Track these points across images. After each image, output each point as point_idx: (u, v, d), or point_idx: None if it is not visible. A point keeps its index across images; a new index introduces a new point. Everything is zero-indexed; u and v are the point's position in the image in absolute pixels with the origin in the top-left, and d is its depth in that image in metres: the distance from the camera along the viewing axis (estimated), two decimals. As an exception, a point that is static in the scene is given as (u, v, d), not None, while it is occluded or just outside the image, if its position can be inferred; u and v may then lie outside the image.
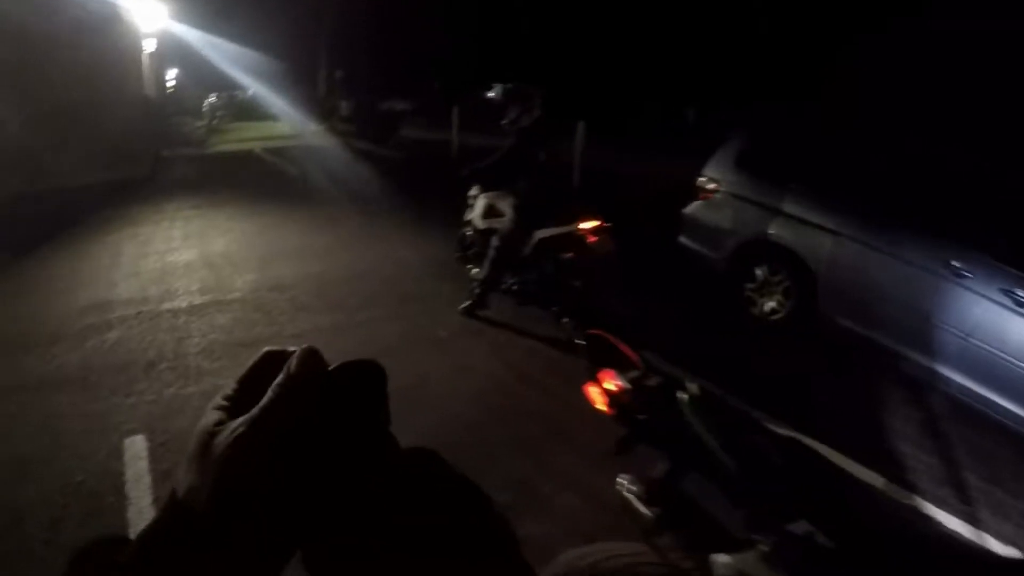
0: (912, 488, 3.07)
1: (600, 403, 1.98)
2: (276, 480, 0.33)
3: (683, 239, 5.09)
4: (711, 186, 4.90)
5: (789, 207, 4.44)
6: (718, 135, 5.16)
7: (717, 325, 4.81)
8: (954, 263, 3.66)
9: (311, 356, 0.36)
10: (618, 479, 2.20)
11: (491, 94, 5.26)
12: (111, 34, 10.23)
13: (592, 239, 4.07)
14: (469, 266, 4.83)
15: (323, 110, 17.51)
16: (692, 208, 5.05)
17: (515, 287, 4.50)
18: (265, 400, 0.34)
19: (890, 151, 4.28)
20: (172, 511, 0.34)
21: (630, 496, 2.06)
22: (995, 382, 3.49)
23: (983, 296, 3.54)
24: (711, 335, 4.63)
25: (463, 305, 4.66)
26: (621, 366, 2.02)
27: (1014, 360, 3.41)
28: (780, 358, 4.33)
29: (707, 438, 1.83)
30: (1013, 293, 3.44)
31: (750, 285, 4.74)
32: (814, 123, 5.05)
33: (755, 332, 4.68)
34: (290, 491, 0.33)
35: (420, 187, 9.26)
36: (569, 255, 4.18)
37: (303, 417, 0.34)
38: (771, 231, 4.49)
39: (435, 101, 16.71)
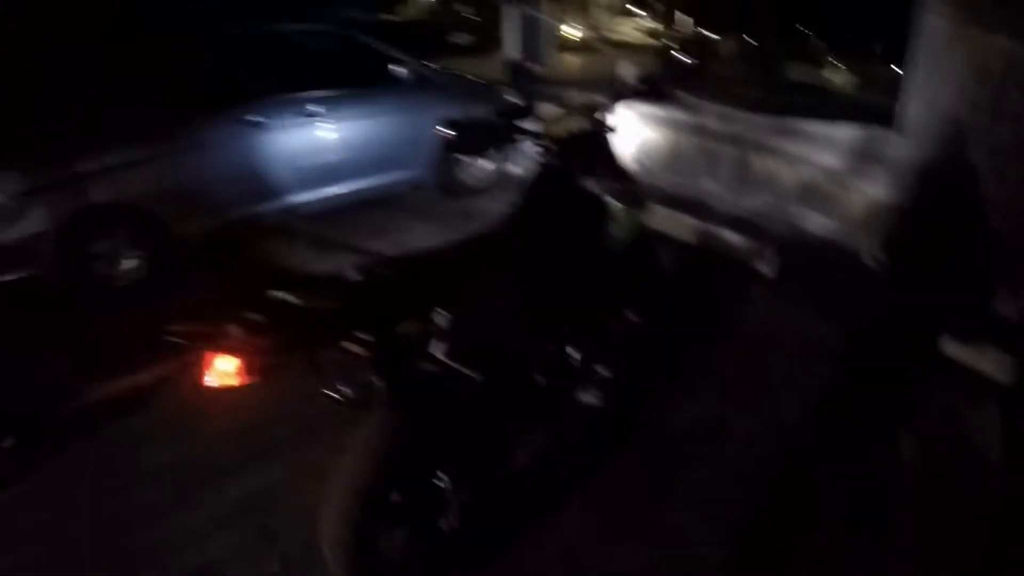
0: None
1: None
2: None
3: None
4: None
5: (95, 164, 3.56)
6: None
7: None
8: (251, 117, 4.05)
9: None
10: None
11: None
12: None
13: None
14: None
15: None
16: None
17: None
18: None
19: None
20: None
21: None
22: (330, 180, 4.46)
23: (281, 128, 4.15)
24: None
25: None
26: None
27: (333, 155, 4.41)
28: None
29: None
30: (309, 111, 4.25)
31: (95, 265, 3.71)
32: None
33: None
34: None
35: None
36: None
37: None
38: (92, 197, 3.57)
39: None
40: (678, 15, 21.13)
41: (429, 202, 5.02)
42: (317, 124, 4.30)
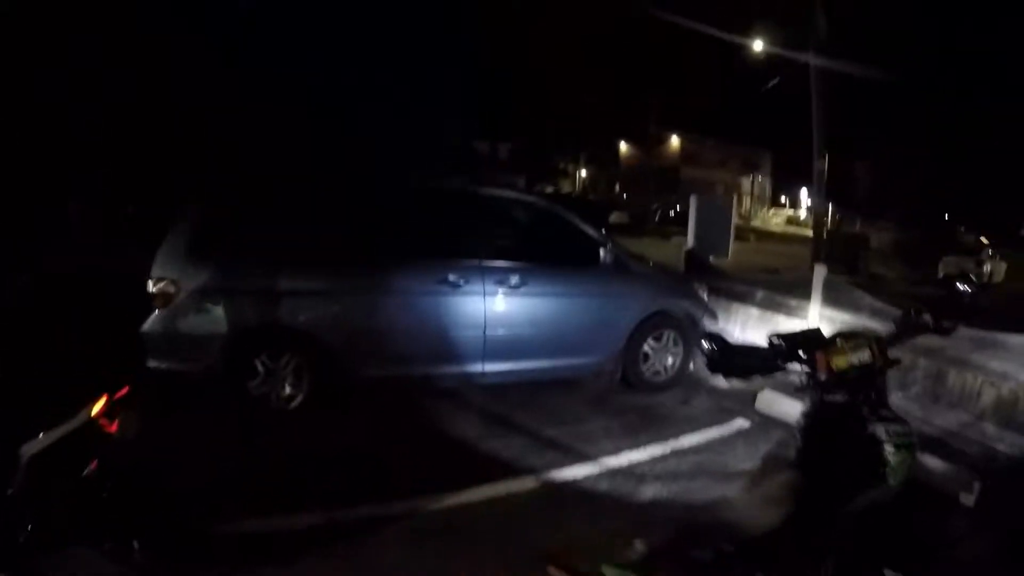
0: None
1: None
2: None
3: (153, 362, 3.74)
4: (169, 289, 3.71)
5: (267, 283, 3.83)
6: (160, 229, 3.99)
7: (253, 444, 3.46)
8: (451, 277, 4.06)
9: None
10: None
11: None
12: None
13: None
14: None
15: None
16: (152, 323, 3.74)
17: None
18: None
19: (334, 201, 4.26)
20: None
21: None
22: (516, 354, 4.32)
23: (479, 293, 4.14)
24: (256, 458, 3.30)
25: None
26: None
27: (525, 330, 4.33)
28: (332, 437, 3.68)
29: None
30: (506, 280, 4.22)
31: (254, 382, 3.83)
32: (263, 193, 4.27)
33: (288, 425, 3.82)
34: None
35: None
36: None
37: None
38: (262, 315, 3.84)
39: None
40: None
41: (608, 392, 4.65)
42: (512, 294, 4.24)
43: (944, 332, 2.58)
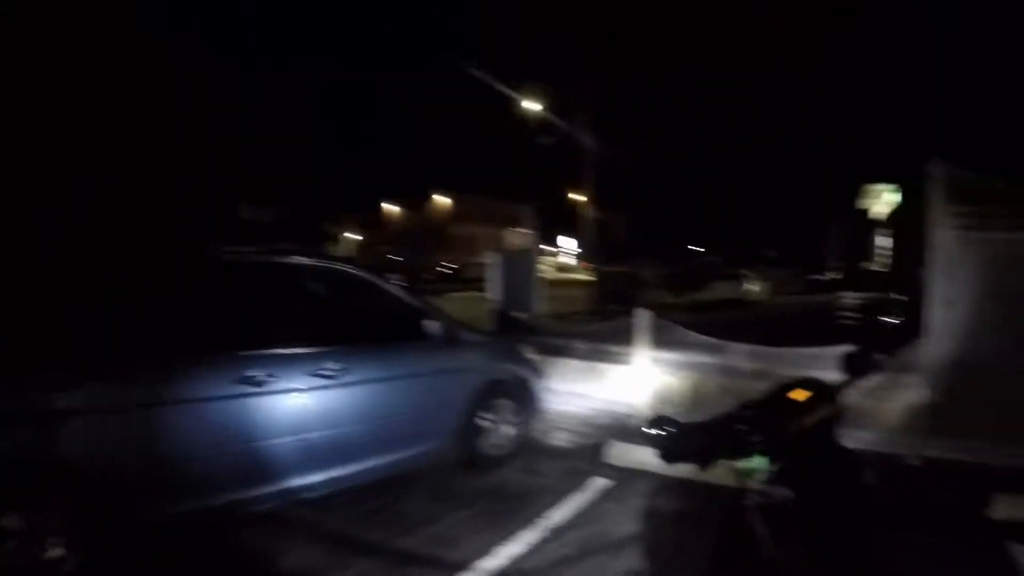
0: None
1: None
2: None
3: None
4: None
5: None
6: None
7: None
8: (252, 374, 3.14)
9: None
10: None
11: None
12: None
13: None
14: None
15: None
16: None
17: None
18: None
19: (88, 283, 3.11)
20: None
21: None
22: (345, 457, 3.51)
23: (290, 390, 3.28)
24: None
25: None
26: None
27: (352, 426, 3.54)
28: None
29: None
30: (322, 369, 3.40)
31: (3, 547, 2.48)
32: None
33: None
34: None
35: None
36: None
37: None
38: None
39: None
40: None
41: (451, 478, 4.07)
42: (331, 386, 3.44)
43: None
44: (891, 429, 4.25)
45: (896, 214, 21.98)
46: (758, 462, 1.61)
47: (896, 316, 8.96)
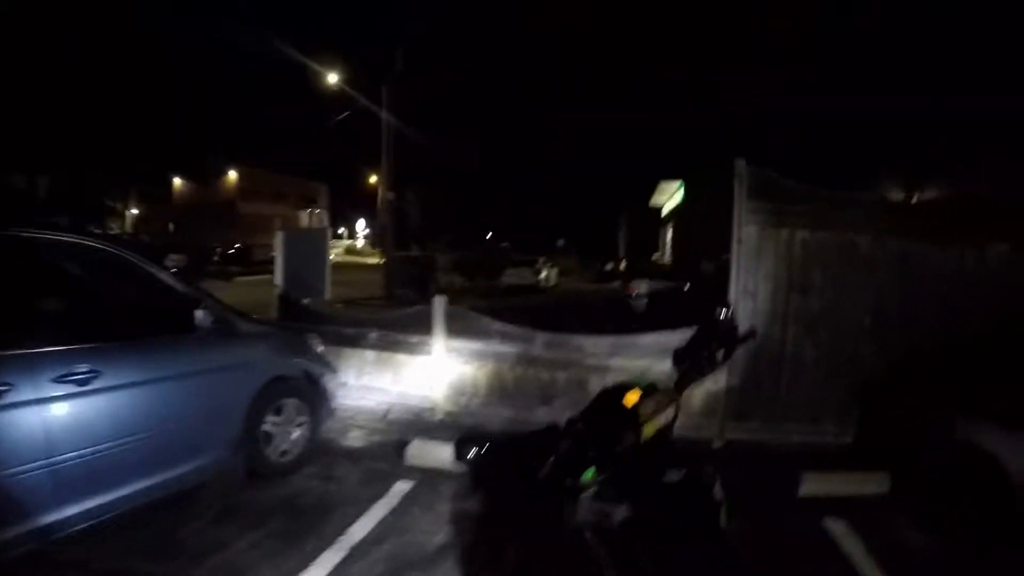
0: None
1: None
2: None
3: None
4: None
5: None
6: None
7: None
8: None
9: None
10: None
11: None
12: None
13: None
14: None
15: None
16: None
17: None
18: None
19: None
20: None
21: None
22: (107, 481, 2.85)
23: (32, 403, 2.58)
24: None
25: None
26: None
27: (113, 443, 2.86)
28: None
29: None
30: (71, 373, 2.72)
31: None
32: None
33: None
34: None
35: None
36: None
37: None
38: None
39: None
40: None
41: (236, 493, 3.60)
42: (83, 394, 2.77)
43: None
44: (694, 414, 4.51)
45: (680, 209, 24.14)
46: (590, 475, 1.57)
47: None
